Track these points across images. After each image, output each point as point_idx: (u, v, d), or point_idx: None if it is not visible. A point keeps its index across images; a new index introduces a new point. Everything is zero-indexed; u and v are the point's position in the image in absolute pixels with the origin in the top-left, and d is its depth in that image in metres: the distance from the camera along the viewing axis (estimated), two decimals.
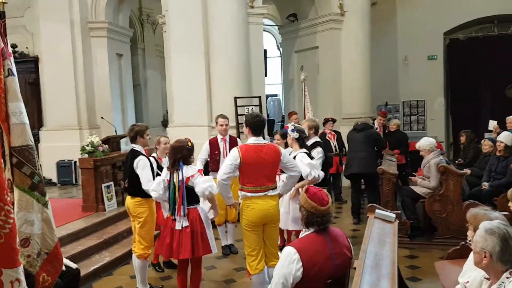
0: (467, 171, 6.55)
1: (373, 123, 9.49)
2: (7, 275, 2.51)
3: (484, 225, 2.32)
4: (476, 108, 12.08)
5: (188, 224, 4.15)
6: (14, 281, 2.53)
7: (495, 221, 2.38)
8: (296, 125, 5.41)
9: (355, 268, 2.79)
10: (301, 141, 5.11)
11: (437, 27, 11.95)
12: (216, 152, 6.00)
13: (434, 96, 12.42)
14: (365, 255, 2.94)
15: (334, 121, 8.67)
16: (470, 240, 2.55)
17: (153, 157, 5.12)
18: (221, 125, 6.04)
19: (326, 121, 8.55)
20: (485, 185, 6.17)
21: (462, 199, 5.78)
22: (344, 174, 7.82)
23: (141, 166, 4.65)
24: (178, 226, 4.16)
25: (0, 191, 2.52)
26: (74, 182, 9.67)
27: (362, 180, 7.64)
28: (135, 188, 4.72)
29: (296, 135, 5.05)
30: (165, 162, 5.03)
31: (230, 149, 5.34)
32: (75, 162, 9.39)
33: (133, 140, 4.85)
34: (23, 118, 3.22)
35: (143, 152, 4.82)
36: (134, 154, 4.78)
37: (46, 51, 9.88)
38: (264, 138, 4.33)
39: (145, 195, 4.63)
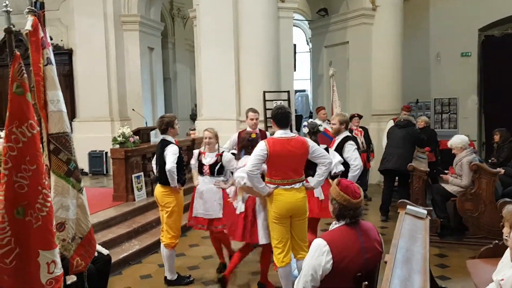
0: (501, 170, 6.38)
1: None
2: (44, 257, 2.59)
3: None
4: (510, 107, 11.72)
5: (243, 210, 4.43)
6: (50, 263, 2.61)
7: None
8: (311, 121, 5.42)
9: (385, 262, 2.76)
10: (313, 136, 5.08)
11: (471, 23, 11.64)
12: None
13: (466, 94, 12.12)
14: (396, 250, 2.91)
15: (360, 117, 8.59)
16: (507, 236, 2.49)
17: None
18: (251, 119, 6.01)
19: (352, 116, 8.48)
20: None
21: (495, 199, 5.64)
22: (379, 169, 7.72)
23: (171, 152, 4.76)
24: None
25: (39, 175, 2.60)
26: (105, 172, 9.89)
27: (396, 178, 7.54)
28: (166, 177, 4.78)
29: (306, 130, 5.08)
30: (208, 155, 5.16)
31: None
32: (106, 153, 9.60)
33: (164, 131, 4.95)
34: (60, 106, 3.32)
35: (174, 142, 4.89)
36: (165, 143, 4.88)
37: (80, 44, 10.12)
38: (291, 131, 4.32)
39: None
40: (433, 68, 12.23)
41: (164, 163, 4.77)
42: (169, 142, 4.88)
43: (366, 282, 2.62)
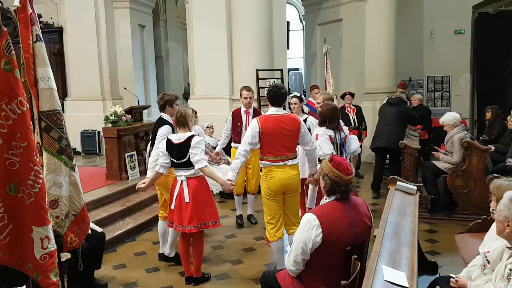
0: (491, 147, 6.44)
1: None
2: (37, 233, 2.62)
3: (509, 194, 2.31)
4: (502, 85, 11.74)
5: None
6: (44, 238, 2.65)
7: None
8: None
9: (375, 237, 2.81)
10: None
11: (465, 0, 11.57)
12: (238, 124, 6.00)
13: (459, 72, 12.09)
14: (385, 224, 2.96)
15: (352, 95, 8.59)
16: (493, 210, 2.53)
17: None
18: (245, 98, 5.99)
19: (344, 94, 8.50)
20: (510, 161, 6.07)
21: (485, 176, 5.71)
22: (370, 147, 7.78)
23: (161, 133, 4.63)
24: None
25: (30, 152, 2.61)
26: (97, 151, 9.88)
27: (388, 155, 7.60)
28: None
29: (307, 109, 5.26)
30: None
31: None
32: (98, 132, 9.57)
33: (162, 108, 4.85)
34: (51, 83, 3.30)
35: (171, 121, 4.82)
36: (161, 122, 4.79)
37: (70, 22, 9.98)
38: (284, 109, 4.35)
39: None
40: (426, 46, 12.16)
41: None
42: (165, 122, 4.75)
43: (356, 256, 2.67)
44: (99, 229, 4.44)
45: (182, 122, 4.32)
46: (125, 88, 9.74)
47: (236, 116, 6.06)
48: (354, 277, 2.49)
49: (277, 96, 4.21)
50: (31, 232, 2.60)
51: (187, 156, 4.21)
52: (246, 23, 8.55)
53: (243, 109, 6.05)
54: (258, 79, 8.53)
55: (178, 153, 4.24)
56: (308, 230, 2.81)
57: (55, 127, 3.30)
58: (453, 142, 6.08)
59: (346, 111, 8.37)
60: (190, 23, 9.28)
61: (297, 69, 16.24)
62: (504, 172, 5.74)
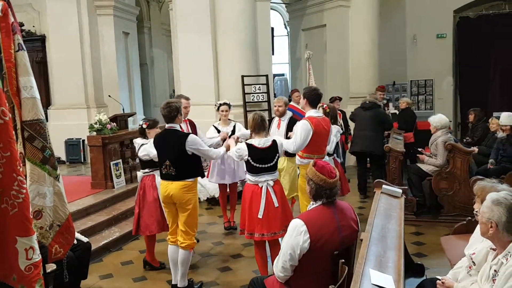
0: (475, 149, 6.54)
1: (387, 103, 9.47)
2: (22, 243, 2.57)
3: (491, 196, 2.34)
4: (485, 88, 11.94)
5: None
6: (29, 249, 2.60)
7: (502, 192, 2.40)
8: None
9: (361, 240, 2.82)
10: None
11: (446, 5, 11.76)
12: None
13: (442, 75, 12.28)
14: (372, 228, 2.98)
15: (340, 99, 8.66)
16: (477, 212, 2.57)
17: (214, 126, 5.70)
18: (222, 111, 6.03)
19: (333, 99, 8.54)
20: (493, 163, 6.16)
21: (469, 177, 5.79)
22: (349, 151, 7.88)
23: (199, 143, 4.24)
24: None
25: (13, 162, 2.58)
26: (82, 160, 9.78)
27: (368, 159, 7.69)
28: (187, 170, 4.21)
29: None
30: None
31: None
32: (83, 141, 9.47)
33: (172, 119, 4.23)
34: (33, 93, 3.25)
35: (185, 130, 4.82)
36: (180, 133, 4.31)
37: (53, 30, 9.89)
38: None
39: (195, 176, 4.27)
40: (409, 50, 12.34)
41: (183, 155, 4.14)
42: (184, 133, 4.43)
43: (343, 260, 2.68)
44: (84, 239, 4.38)
45: (263, 126, 4.19)
46: (109, 96, 9.67)
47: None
48: (342, 281, 2.50)
49: (316, 97, 4.67)
50: (15, 243, 2.56)
51: (275, 160, 4.11)
52: (230, 30, 8.56)
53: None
54: (243, 85, 8.54)
55: (265, 158, 4.09)
56: (296, 236, 2.82)
57: (38, 136, 3.26)
58: (437, 145, 6.16)
59: None
60: (174, 30, 9.26)
61: (283, 75, 16.30)
62: (487, 173, 5.82)
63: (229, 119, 6.12)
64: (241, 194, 4.37)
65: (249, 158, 4.09)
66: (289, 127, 5.62)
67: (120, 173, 7.18)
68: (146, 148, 4.68)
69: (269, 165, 4.11)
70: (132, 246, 5.81)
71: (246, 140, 4.49)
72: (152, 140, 4.57)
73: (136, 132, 7.91)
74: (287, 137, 5.22)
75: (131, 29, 11.24)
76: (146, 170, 4.87)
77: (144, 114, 12.06)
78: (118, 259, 5.38)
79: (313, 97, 4.63)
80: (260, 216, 4.05)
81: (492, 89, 11.90)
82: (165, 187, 4.21)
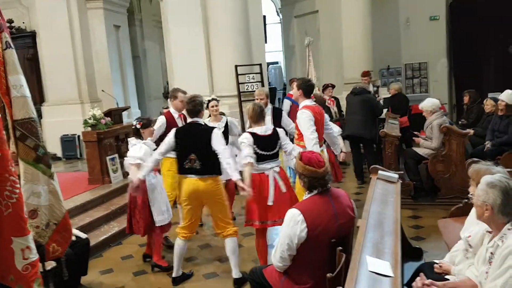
0: (470, 131, 6.54)
1: (377, 90, 9.46)
2: (18, 243, 2.57)
3: (486, 179, 2.34)
4: (479, 69, 11.90)
5: None
6: (25, 249, 2.60)
7: (497, 174, 2.39)
8: None
9: (358, 227, 2.83)
10: None
11: None
12: None
13: (436, 58, 12.23)
14: (368, 214, 2.98)
15: (333, 86, 8.62)
16: (472, 195, 2.57)
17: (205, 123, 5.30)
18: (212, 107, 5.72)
19: (326, 87, 8.52)
20: (488, 143, 6.17)
21: (465, 159, 5.80)
22: (342, 136, 7.90)
23: (222, 140, 4.23)
24: None
25: (4, 162, 2.56)
26: (78, 156, 9.75)
27: (362, 145, 7.70)
28: (211, 164, 4.16)
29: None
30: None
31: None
32: (78, 136, 9.43)
33: (197, 113, 4.27)
34: (24, 91, 3.23)
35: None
36: (206, 127, 4.34)
37: (42, 26, 9.78)
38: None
39: (219, 171, 4.24)
40: (402, 34, 12.24)
41: (210, 150, 4.12)
42: (210, 126, 4.40)
43: (340, 248, 2.68)
44: (83, 235, 4.39)
45: (262, 116, 4.29)
46: (103, 91, 9.62)
47: (170, 121, 5.40)
48: (340, 269, 2.50)
49: (312, 88, 4.81)
50: (11, 243, 2.55)
51: (277, 147, 4.21)
52: (222, 19, 8.49)
53: (176, 114, 5.56)
54: (237, 75, 8.49)
55: (268, 145, 4.16)
56: (293, 225, 2.82)
57: (30, 135, 3.24)
58: (432, 128, 6.16)
59: (326, 103, 8.39)
60: (165, 21, 9.19)
61: (276, 63, 16.22)
62: (484, 155, 5.84)
63: (220, 114, 5.96)
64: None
65: (254, 146, 4.12)
66: (274, 118, 5.65)
67: (116, 167, 7.17)
68: (131, 154, 4.54)
69: (272, 152, 4.21)
70: (132, 240, 5.79)
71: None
72: (145, 143, 4.58)
73: (132, 126, 7.96)
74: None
75: (122, 22, 11.14)
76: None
77: (139, 107, 12.02)
78: (118, 254, 5.39)
79: (308, 88, 4.71)
80: (270, 203, 4.12)
81: (486, 71, 11.86)
82: (192, 184, 4.14)
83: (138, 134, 4.67)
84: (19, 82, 3.21)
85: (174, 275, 4.45)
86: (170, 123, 5.29)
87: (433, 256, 4.05)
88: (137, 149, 4.53)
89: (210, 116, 5.77)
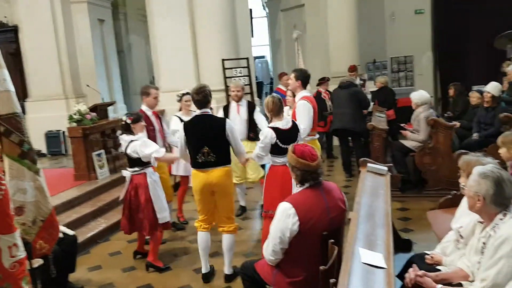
0: (456, 123, 6.60)
1: (364, 84, 9.50)
2: (4, 241, 2.51)
3: (478, 170, 2.35)
4: (463, 62, 12.01)
5: None
6: (12, 246, 2.54)
7: (488, 165, 2.41)
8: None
9: (350, 220, 2.82)
10: None
11: None
12: (151, 127, 5.33)
13: (422, 51, 12.31)
14: (360, 207, 2.98)
15: (328, 79, 8.68)
16: (464, 185, 2.58)
17: (177, 116, 5.30)
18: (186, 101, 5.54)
19: (322, 80, 8.56)
20: (476, 136, 6.23)
21: (452, 152, 5.86)
22: (330, 130, 7.94)
23: (235, 130, 4.24)
24: None
25: None
26: (64, 152, 9.61)
27: (350, 138, 7.73)
28: (225, 156, 4.15)
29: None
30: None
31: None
32: (63, 132, 9.30)
33: (206, 104, 4.13)
34: (7, 85, 3.15)
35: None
36: (218, 118, 4.40)
37: (25, 20, 9.59)
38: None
39: (230, 161, 4.21)
40: (388, 27, 12.30)
41: (224, 141, 4.09)
42: (222, 117, 4.40)
43: (332, 240, 2.68)
44: (70, 232, 4.32)
45: (282, 108, 4.26)
46: (88, 86, 9.48)
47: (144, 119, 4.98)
48: (332, 262, 2.50)
49: (309, 79, 5.02)
50: None
51: (297, 139, 4.14)
52: (208, 12, 8.43)
53: (149, 111, 5.30)
54: (224, 69, 8.44)
55: (289, 138, 4.09)
56: (285, 219, 2.80)
57: (15, 131, 3.16)
58: (419, 121, 6.20)
59: (322, 96, 8.44)
60: (150, 14, 9.10)
61: (263, 57, 16.15)
62: (472, 146, 5.89)
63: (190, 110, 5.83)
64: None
65: (277, 141, 4.09)
66: (250, 112, 5.72)
67: (103, 163, 7.08)
68: (137, 147, 4.37)
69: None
70: (120, 236, 5.71)
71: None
72: (140, 137, 4.46)
73: (118, 121, 7.85)
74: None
75: (106, 16, 10.99)
76: (136, 169, 4.52)
77: (124, 102, 11.88)
78: (106, 250, 5.32)
79: (306, 79, 4.94)
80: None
81: (470, 64, 11.97)
82: (205, 176, 4.05)
83: (128, 130, 4.51)
84: (2, 76, 3.11)
85: (203, 271, 4.35)
86: (145, 121, 4.99)
87: (421, 247, 4.08)
88: (148, 143, 4.45)
89: (181, 109, 5.66)
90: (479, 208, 2.33)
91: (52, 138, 9.65)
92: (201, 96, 4.06)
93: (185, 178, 5.78)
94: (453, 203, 3.86)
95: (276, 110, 4.21)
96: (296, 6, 10.82)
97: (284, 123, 4.19)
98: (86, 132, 6.76)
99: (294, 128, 4.25)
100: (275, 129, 4.13)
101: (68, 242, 4.19)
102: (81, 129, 6.70)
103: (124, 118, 4.54)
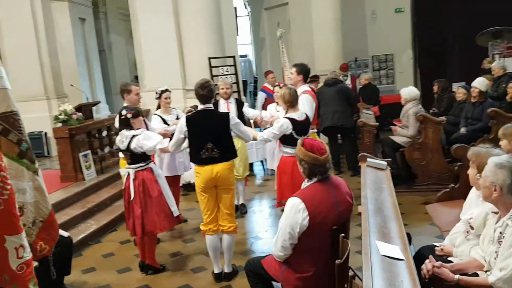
0: (444, 119, 6.70)
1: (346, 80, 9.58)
2: (11, 242, 2.44)
3: (494, 160, 2.38)
4: (444, 60, 12.23)
5: None
6: (19, 247, 2.47)
7: (504, 155, 2.44)
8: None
9: (359, 214, 2.83)
10: None
11: None
12: None
13: (402, 49, 12.46)
14: (367, 201, 2.99)
15: (318, 78, 8.73)
16: (478, 176, 2.61)
17: (157, 114, 5.21)
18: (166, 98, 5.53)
19: (315, 79, 8.58)
20: (463, 130, 6.34)
21: (441, 147, 5.96)
22: (319, 130, 7.92)
23: (239, 121, 4.20)
24: None
25: None
26: (46, 153, 9.39)
27: (339, 135, 7.76)
28: (229, 151, 4.10)
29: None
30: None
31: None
32: (45, 133, 9.09)
33: (210, 99, 4.11)
34: (4, 83, 3.09)
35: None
36: (221, 113, 4.46)
37: (4, 18, 9.31)
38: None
39: (235, 155, 4.18)
40: (369, 26, 12.43)
41: (227, 136, 4.07)
42: (225, 112, 4.36)
43: (343, 234, 2.68)
44: (65, 234, 4.23)
45: (297, 100, 4.34)
46: (71, 85, 9.29)
47: None
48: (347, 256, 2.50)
49: (308, 72, 5.02)
50: (4, 242, 2.41)
51: (310, 131, 4.35)
52: (193, 10, 8.37)
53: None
54: (211, 67, 8.39)
55: (304, 129, 4.27)
56: (294, 214, 2.79)
57: (13, 129, 3.10)
58: (408, 117, 6.28)
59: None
60: (134, 13, 8.97)
61: (245, 56, 16.10)
62: (460, 141, 5.98)
63: (194, 107, 5.77)
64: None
65: (292, 132, 4.19)
66: (239, 108, 5.75)
67: (89, 164, 6.93)
68: (140, 141, 4.25)
69: (306, 136, 4.23)
70: (111, 238, 5.65)
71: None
72: (142, 130, 4.35)
73: (103, 121, 7.72)
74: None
75: (87, 15, 10.81)
76: (141, 164, 4.35)
77: (107, 102, 11.69)
78: (98, 252, 5.22)
79: (307, 73, 5.00)
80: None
81: (451, 61, 12.19)
82: (210, 170, 3.99)
83: (128, 125, 4.35)
84: None
85: (216, 271, 4.30)
86: None
87: (418, 240, 4.12)
88: (151, 135, 4.36)
89: (159, 107, 5.58)
90: (496, 198, 2.36)
91: (34, 139, 9.35)
92: (207, 91, 4.03)
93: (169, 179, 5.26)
94: (451, 197, 3.93)
95: (293, 101, 4.29)
96: (280, 5, 10.84)
97: (299, 115, 4.30)
98: (73, 133, 6.61)
99: (307, 120, 4.39)
100: (292, 120, 4.23)
101: (63, 244, 4.09)
102: (67, 129, 6.54)
103: (123, 112, 4.37)
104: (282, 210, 3.04)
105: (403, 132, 6.35)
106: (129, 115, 4.33)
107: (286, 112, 4.34)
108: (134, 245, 5.09)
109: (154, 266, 4.56)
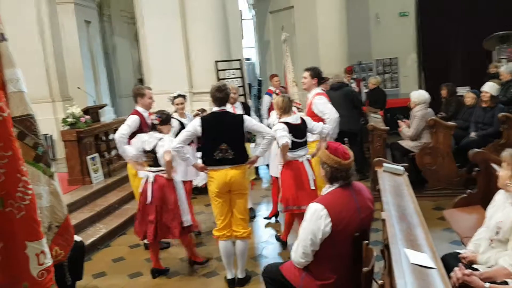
0: (454, 124, 6.67)
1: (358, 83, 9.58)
2: (32, 248, 2.39)
3: None
4: (447, 64, 12.22)
5: None
6: (40, 254, 2.43)
7: None
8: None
9: (383, 220, 2.79)
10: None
11: None
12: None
13: (406, 53, 12.48)
14: (389, 207, 2.95)
15: (327, 79, 8.67)
16: (510, 182, 2.57)
17: (175, 118, 5.17)
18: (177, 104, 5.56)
19: (323, 81, 8.49)
20: (473, 135, 6.31)
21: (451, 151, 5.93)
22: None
23: (254, 121, 4.22)
24: None
25: (16, 162, 2.38)
26: (52, 156, 9.32)
27: (345, 139, 7.71)
28: (242, 153, 4.08)
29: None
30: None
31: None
32: (51, 136, 9.03)
33: (225, 101, 4.13)
34: (20, 86, 3.04)
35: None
36: (235, 114, 4.46)
37: (9, 21, 9.20)
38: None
39: (247, 159, 4.13)
40: (373, 30, 12.43)
41: (241, 138, 4.07)
42: (239, 114, 4.47)
43: (367, 241, 2.64)
44: (78, 238, 4.18)
45: (291, 106, 4.55)
46: (78, 88, 9.25)
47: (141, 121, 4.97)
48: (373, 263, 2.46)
49: (321, 76, 5.21)
50: (25, 248, 2.36)
51: (306, 135, 4.51)
52: (200, 13, 8.33)
53: (145, 113, 5.09)
54: (217, 70, 8.35)
55: (300, 133, 4.45)
56: (316, 220, 2.75)
57: (29, 133, 3.04)
58: (414, 117, 6.27)
59: None
60: (140, 16, 8.92)
61: (249, 59, 16.03)
62: (471, 146, 5.95)
63: (202, 110, 5.81)
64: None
65: (290, 135, 4.34)
66: (245, 113, 5.65)
67: (97, 167, 6.90)
68: (159, 146, 4.25)
69: (303, 140, 4.51)
70: (120, 241, 5.61)
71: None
72: (168, 136, 4.36)
73: (112, 124, 7.69)
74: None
75: (92, 17, 10.75)
76: (162, 169, 4.32)
77: (112, 105, 11.65)
78: (108, 256, 5.18)
79: (320, 76, 5.19)
80: (313, 187, 4.39)
81: (454, 66, 12.17)
82: (224, 174, 3.97)
83: (155, 130, 4.40)
84: (15, 75, 3.01)
85: (229, 277, 4.26)
86: (142, 123, 4.90)
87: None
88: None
89: (176, 111, 5.57)
90: None
91: None
92: (224, 94, 4.08)
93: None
94: (469, 202, 3.89)
95: (286, 108, 4.52)
96: (285, 8, 10.83)
97: (293, 119, 4.50)
98: (81, 136, 6.58)
99: (304, 123, 4.54)
100: (287, 124, 4.41)
101: (75, 249, 4.03)
102: (76, 132, 6.52)
103: (152, 117, 4.46)
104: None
105: (404, 130, 6.36)
106: (156, 122, 4.36)
107: (280, 118, 4.54)
108: (145, 249, 5.05)
109: (160, 269, 4.53)
